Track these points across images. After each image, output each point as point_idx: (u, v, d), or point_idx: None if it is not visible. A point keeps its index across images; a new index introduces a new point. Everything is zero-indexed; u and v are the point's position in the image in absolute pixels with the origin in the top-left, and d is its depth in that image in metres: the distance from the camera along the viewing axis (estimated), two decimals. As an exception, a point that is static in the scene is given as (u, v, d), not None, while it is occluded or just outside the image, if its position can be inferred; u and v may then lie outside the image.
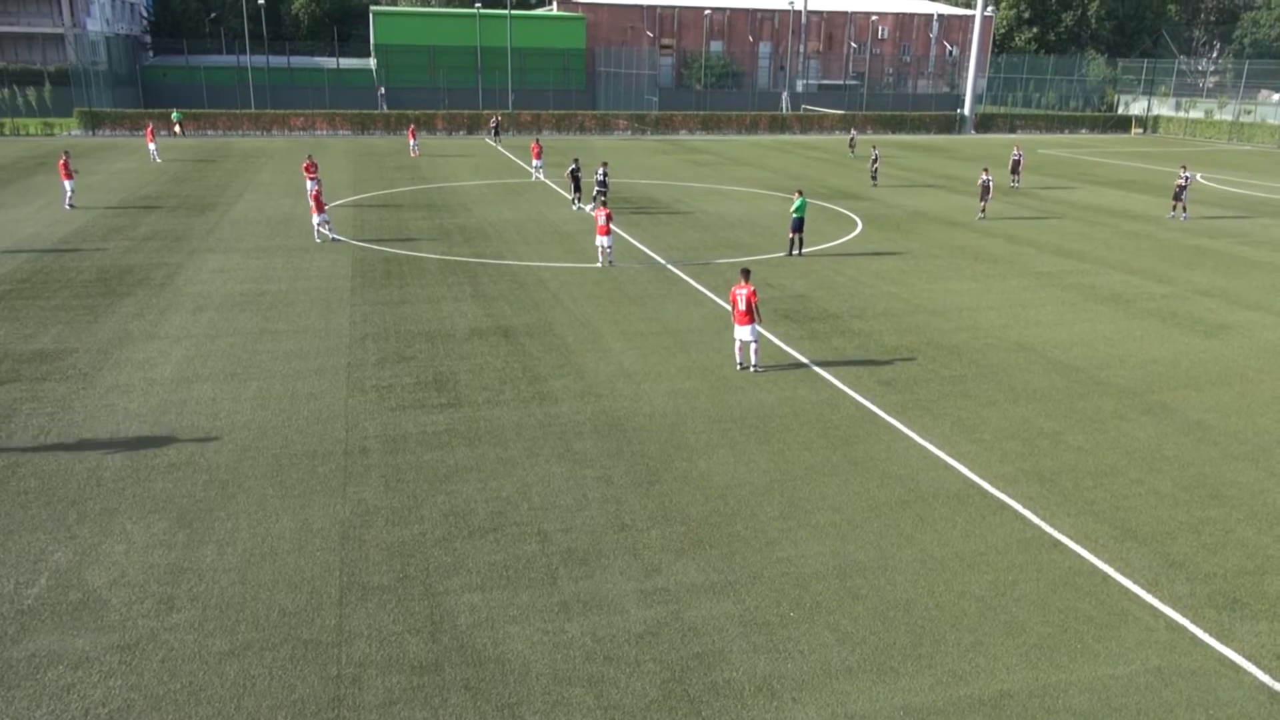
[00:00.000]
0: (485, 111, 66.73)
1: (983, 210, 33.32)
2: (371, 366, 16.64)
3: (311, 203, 27.13)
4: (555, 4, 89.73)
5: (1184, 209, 34.49)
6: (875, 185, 41.30)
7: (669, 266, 25.05)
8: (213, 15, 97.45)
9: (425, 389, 15.63)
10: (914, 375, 16.93)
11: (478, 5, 76.22)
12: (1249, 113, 77.55)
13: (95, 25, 76.86)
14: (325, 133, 62.18)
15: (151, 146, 45.81)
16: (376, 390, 15.51)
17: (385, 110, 66.96)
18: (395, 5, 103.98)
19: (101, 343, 17.79)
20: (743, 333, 16.47)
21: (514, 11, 70.34)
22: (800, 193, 26.76)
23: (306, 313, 19.99)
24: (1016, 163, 42.00)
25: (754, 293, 16.18)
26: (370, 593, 9.88)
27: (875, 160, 42.31)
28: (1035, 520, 11.71)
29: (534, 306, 20.85)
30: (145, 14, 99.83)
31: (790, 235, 26.50)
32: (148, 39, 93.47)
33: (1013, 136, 73.64)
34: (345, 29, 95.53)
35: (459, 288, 22.37)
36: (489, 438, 13.75)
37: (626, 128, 67.58)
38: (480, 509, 11.68)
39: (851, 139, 57.26)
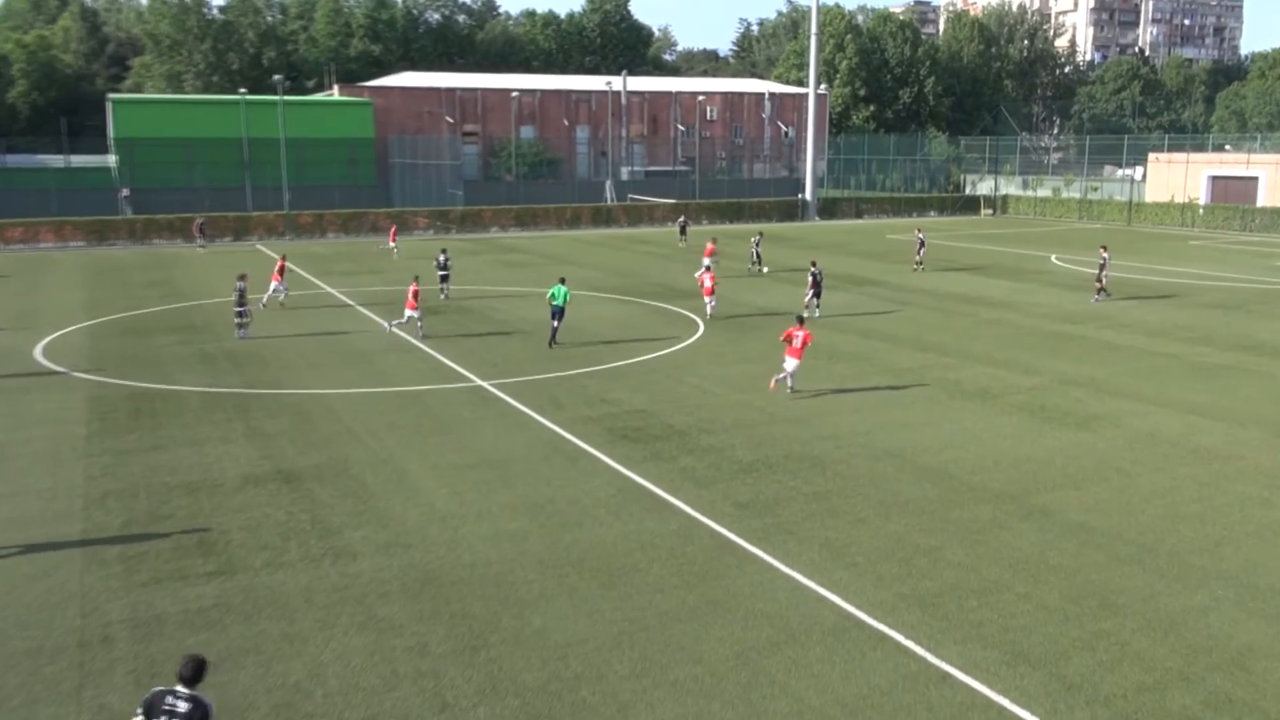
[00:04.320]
0: (254, 214, 65.69)
1: (813, 307, 34.47)
2: (116, 532, 15.63)
3: (409, 298, 30.59)
4: (336, 89, 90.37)
5: (1104, 290, 38.15)
6: (760, 272, 46.42)
7: (484, 385, 25.00)
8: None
9: (187, 555, 14.77)
10: (774, 494, 17.37)
11: (242, 91, 75.72)
12: (1095, 190, 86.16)
13: None
14: (52, 245, 59.32)
15: None
16: (122, 562, 14.52)
17: (129, 215, 64.75)
18: (139, 92, 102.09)
19: None
20: (790, 364, 23.38)
21: (287, 97, 70.20)
22: (563, 280, 29.95)
23: (28, 470, 18.65)
24: (921, 243, 47.78)
25: (809, 335, 23.65)
26: (117, 827, 9.00)
27: (757, 244, 47.77)
28: (920, 652, 12.06)
29: (323, 444, 20.28)
30: None
31: (553, 325, 29.34)
32: None
33: (859, 222, 78.74)
34: (77, 120, 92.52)
35: (228, 426, 21.52)
36: (271, 610, 13.06)
37: (428, 226, 67.91)
38: (262, 702, 10.98)
39: (683, 224, 60.73)
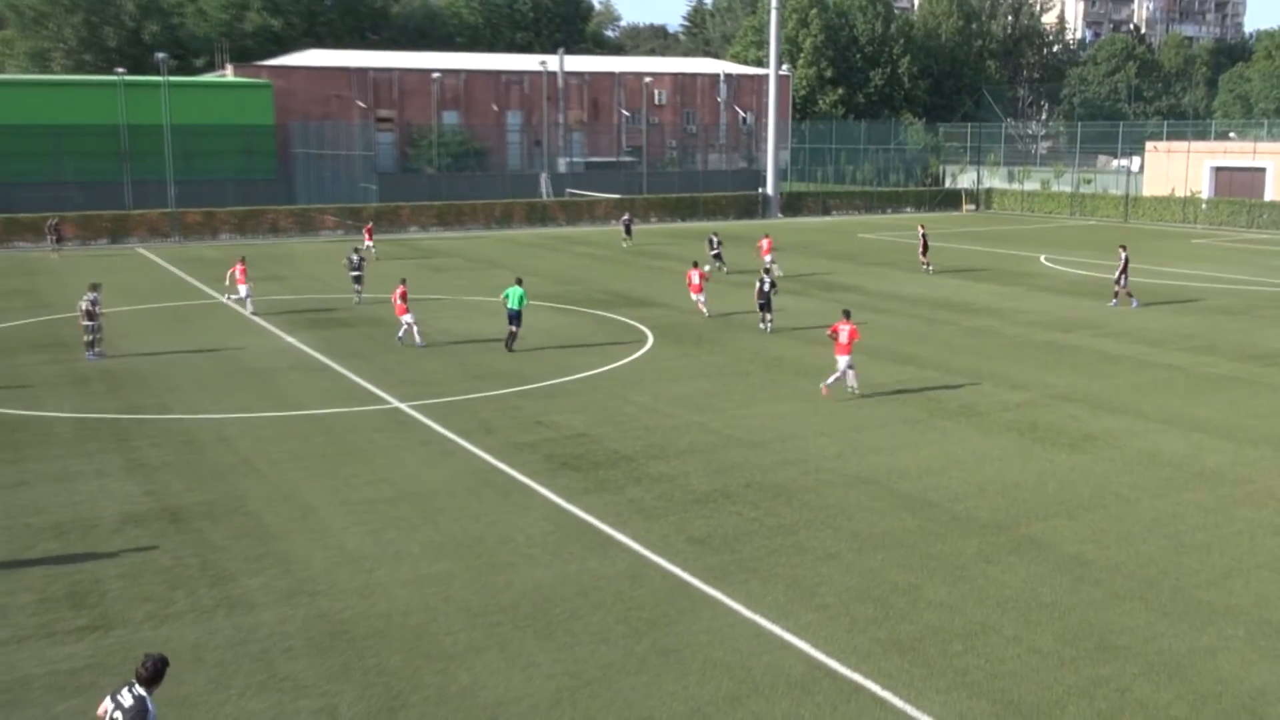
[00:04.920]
0: (135, 212, 64.81)
1: (763, 321, 34.52)
2: (-30, 582, 15.29)
3: (398, 302, 31.45)
4: (230, 69, 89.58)
5: (1122, 294, 39.05)
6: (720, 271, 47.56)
7: (402, 407, 24.85)
8: None
9: (55, 608, 14.49)
10: (733, 528, 17.41)
11: (120, 71, 74.71)
12: (1088, 182, 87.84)
13: None
14: (-104, 249, 58.07)
15: None
16: (-22, 617, 14.21)
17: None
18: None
19: None
20: (842, 361, 24.84)
21: (172, 78, 69.42)
22: (519, 281, 31.60)
23: None
24: (925, 240, 48.77)
25: (855, 330, 24.92)
26: None
27: (718, 244, 49.49)
28: (899, 704, 12.12)
29: (215, 477, 20.03)
30: None
31: (510, 329, 30.75)
32: None
33: (827, 219, 79.55)
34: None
35: (104, 458, 21.19)
36: (154, 671, 12.82)
37: (337, 226, 67.44)
38: (143, 778, 10.76)
39: (628, 222, 61.43)
